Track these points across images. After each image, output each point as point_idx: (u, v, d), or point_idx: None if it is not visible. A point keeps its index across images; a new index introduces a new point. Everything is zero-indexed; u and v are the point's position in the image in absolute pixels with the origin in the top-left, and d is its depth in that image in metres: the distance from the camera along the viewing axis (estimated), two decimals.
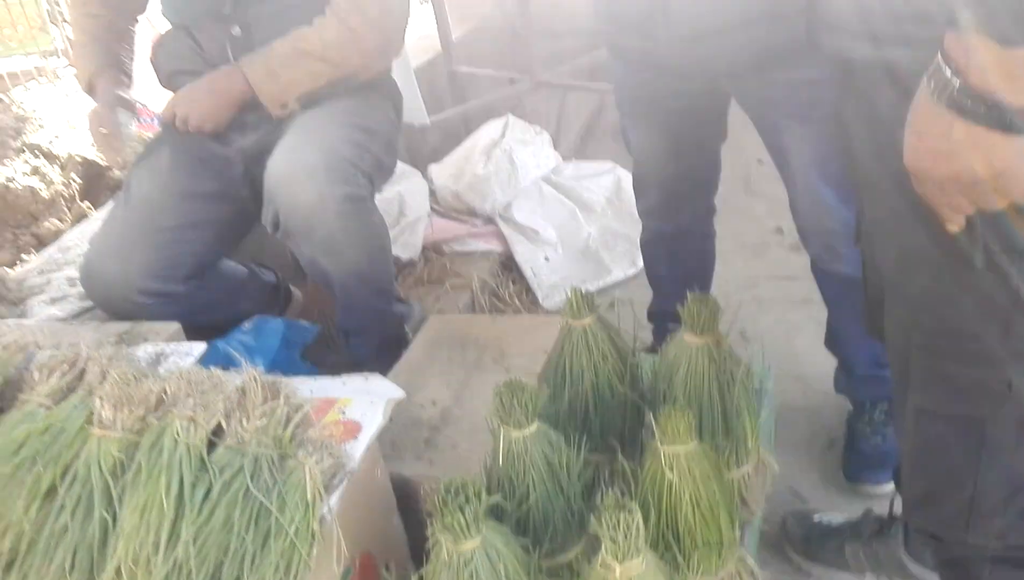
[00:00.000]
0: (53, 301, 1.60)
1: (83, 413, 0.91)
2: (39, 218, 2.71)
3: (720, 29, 1.12)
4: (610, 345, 1.16)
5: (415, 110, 2.29)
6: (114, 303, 1.45)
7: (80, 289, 1.61)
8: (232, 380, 0.95)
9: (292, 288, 1.88)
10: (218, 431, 0.91)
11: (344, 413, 1.07)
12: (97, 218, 2.10)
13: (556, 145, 2.45)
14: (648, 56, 1.24)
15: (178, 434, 0.87)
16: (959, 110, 0.65)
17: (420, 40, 3.36)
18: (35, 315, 1.56)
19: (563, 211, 2.28)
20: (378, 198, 2.01)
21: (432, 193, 2.26)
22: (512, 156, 2.19)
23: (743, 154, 1.59)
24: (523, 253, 2.18)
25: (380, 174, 1.57)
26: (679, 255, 1.59)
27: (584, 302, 1.15)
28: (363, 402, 1.09)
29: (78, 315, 1.56)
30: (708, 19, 1.11)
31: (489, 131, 2.26)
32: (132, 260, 1.43)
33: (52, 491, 0.85)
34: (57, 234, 2.69)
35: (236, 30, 1.53)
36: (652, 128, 1.39)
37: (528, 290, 2.14)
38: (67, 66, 7.39)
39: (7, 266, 2.61)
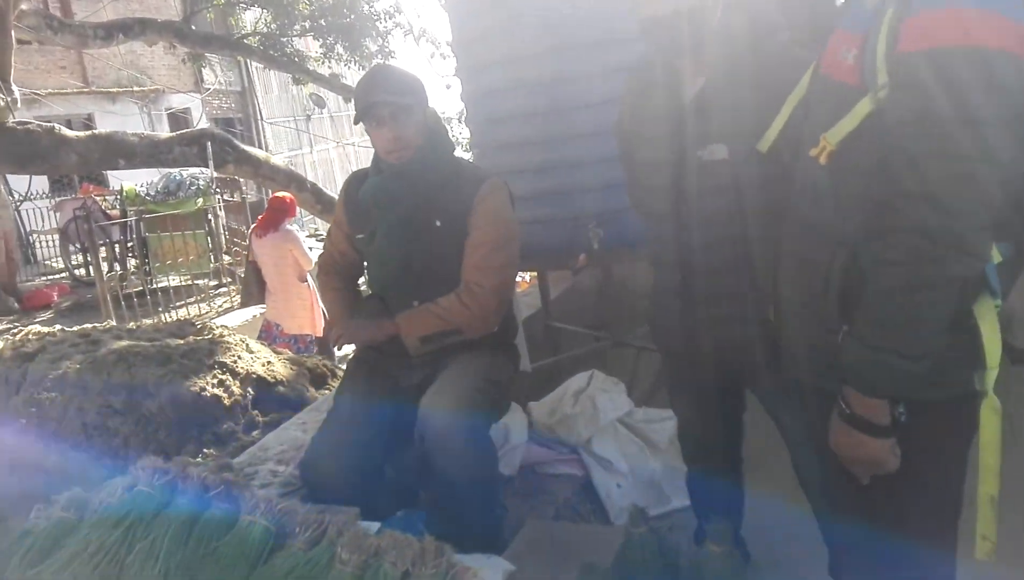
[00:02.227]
0: (263, 487, 2.25)
1: (329, 553, 1.51)
2: (220, 420, 3.47)
3: (732, 347, 1.77)
4: (655, 548, 1.71)
5: (522, 358, 2.98)
6: (322, 489, 2.07)
7: (281, 479, 2.27)
8: (419, 541, 1.54)
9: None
10: (406, 574, 1.49)
11: (477, 576, 1.64)
12: (286, 427, 2.80)
13: (630, 393, 3.07)
14: (680, 356, 1.90)
15: (386, 571, 1.46)
16: (849, 423, 1.27)
17: (525, 297, 4.17)
18: None
19: (634, 448, 2.85)
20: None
21: (531, 425, 2.89)
22: (595, 401, 2.82)
23: None
24: (599, 479, 2.74)
25: (496, 411, 2.22)
26: (714, 493, 2.14)
27: (638, 517, 1.72)
28: (490, 572, 1.65)
29: (284, 496, 2.19)
30: (725, 338, 1.78)
31: (578, 380, 2.92)
32: (340, 460, 2.07)
33: None
34: (233, 434, 3.42)
35: (415, 303, 2.26)
36: (685, 402, 2.02)
37: (602, 509, 2.68)
38: (217, 286, 8.60)
39: (191, 455, 3.33)
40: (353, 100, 2.18)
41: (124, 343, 3.75)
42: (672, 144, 1.75)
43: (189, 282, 8.16)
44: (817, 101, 1.37)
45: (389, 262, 2.22)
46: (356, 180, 2.34)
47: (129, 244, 8.66)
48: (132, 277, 8.19)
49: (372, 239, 2.24)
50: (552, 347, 3.73)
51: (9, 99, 8.36)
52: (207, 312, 7.36)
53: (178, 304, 7.37)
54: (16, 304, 8.46)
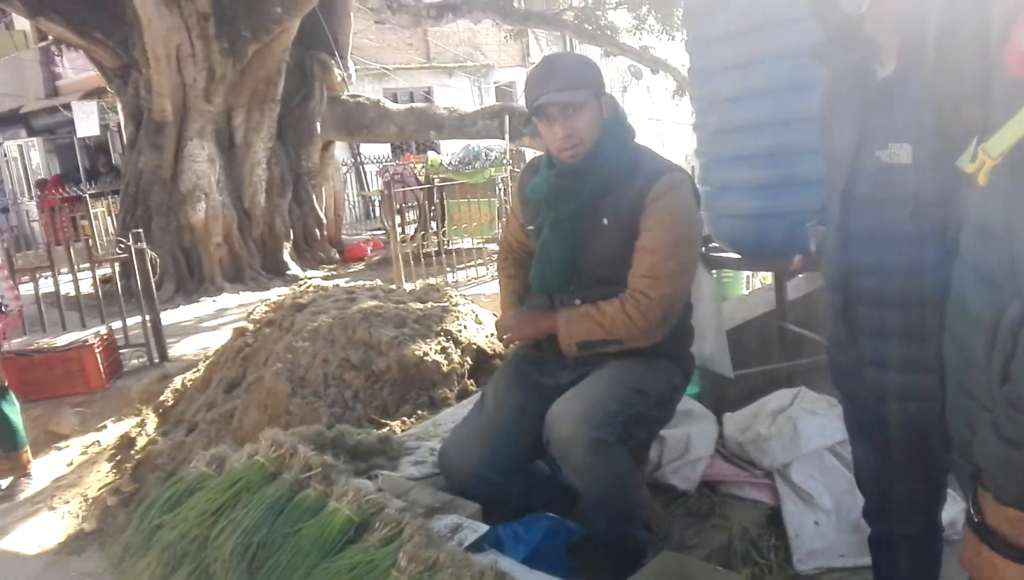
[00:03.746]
0: (416, 463, 2.29)
1: (393, 557, 1.48)
2: (436, 385, 3.62)
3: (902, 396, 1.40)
4: None
5: (722, 363, 2.69)
6: (454, 479, 2.08)
7: (435, 458, 2.29)
8: (479, 562, 1.44)
9: None
10: None
11: None
12: (465, 405, 2.84)
13: None
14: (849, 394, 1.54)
15: None
16: (979, 536, 0.95)
17: (766, 291, 3.77)
18: (401, 470, 2.25)
19: (843, 483, 2.43)
20: (668, 435, 2.45)
21: (721, 437, 2.60)
22: (796, 423, 2.45)
23: None
24: (792, 512, 2.39)
25: (645, 425, 2.02)
26: (898, 560, 1.73)
27: None
28: None
29: (428, 477, 2.21)
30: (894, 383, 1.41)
31: (779, 398, 2.56)
32: (472, 452, 2.04)
33: None
34: (446, 400, 3.55)
35: (577, 301, 2.12)
36: (864, 448, 1.64)
37: (786, 547, 2.33)
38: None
39: (407, 415, 3.52)
40: (524, 95, 2.09)
41: (372, 303, 4.06)
42: (852, 138, 1.42)
43: (478, 245, 8.67)
44: (995, 105, 1.00)
45: (553, 260, 2.10)
46: (530, 170, 2.25)
47: (432, 209, 9.44)
48: (433, 237, 8.90)
49: (540, 233, 2.14)
50: (786, 351, 3.33)
51: (345, 74, 9.50)
52: (484, 275, 7.77)
53: (459, 266, 7.87)
54: (338, 255, 9.70)
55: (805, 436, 2.45)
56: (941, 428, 1.38)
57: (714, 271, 2.85)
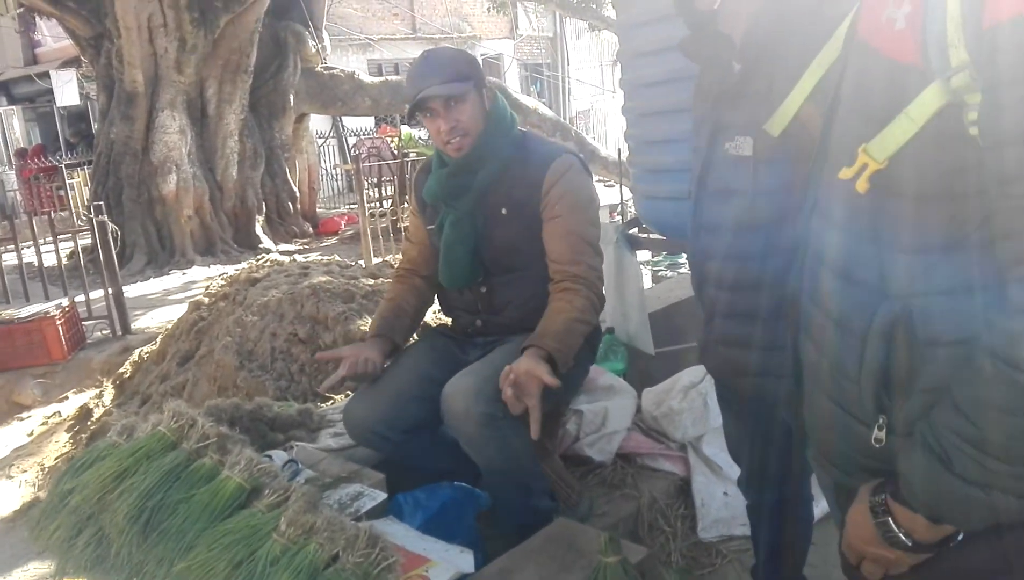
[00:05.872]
0: (335, 435, 2.37)
1: (276, 522, 1.56)
2: None
3: (741, 373, 1.48)
4: None
5: (644, 341, 2.78)
6: (355, 434, 2.15)
7: None
8: (355, 527, 1.53)
9: None
10: (336, 557, 1.49)
11: (428, 572, 1.59)
12: None
13: None
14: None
15: (310, 551, 1.47)
16: (908, 551, 0.94)
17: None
18: (320, 442, 2.34)
19: None
20: (586, 409, 2.54)
21: (639, 411, 2.69)
22: (707, 398, 2.54)
23: None
24: (701, 483, 2.49)
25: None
26: (770, 525, 1.83)
27: (611, 546, 1.53)
28: (443, 569, 1.59)
29: (344, 449, 2.30)
30: (732, 361, 1.49)
31: (691, 374, 2.65)
32: (373, 408, 2.11)
33: (240, 563, 1.49)
34: None
35: (483, 290, 2.20)
36: (730, 421, 1.73)
37: (692, 517, 2.43)
38: None
39: (351, 390, 3.58)
40: (405, 91, 2.12)
41: (323, 279, 4.13)
42: (709, 130, 1.49)
43: None
44: (855, 86, 0.93)
45: (459, 257, 2.15)
46: (424, 172, 2.30)
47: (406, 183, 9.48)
48: (403, 213, 8.93)
49: (441, 231, 2.19)
50: None
51: (319, 46, 9.47)
52: None
53: None
54: (311, 229, 9.73)
55: (715, 410, 2.54)
56: (788, 403, 1.47)
57: (637, 252, 2.93)
